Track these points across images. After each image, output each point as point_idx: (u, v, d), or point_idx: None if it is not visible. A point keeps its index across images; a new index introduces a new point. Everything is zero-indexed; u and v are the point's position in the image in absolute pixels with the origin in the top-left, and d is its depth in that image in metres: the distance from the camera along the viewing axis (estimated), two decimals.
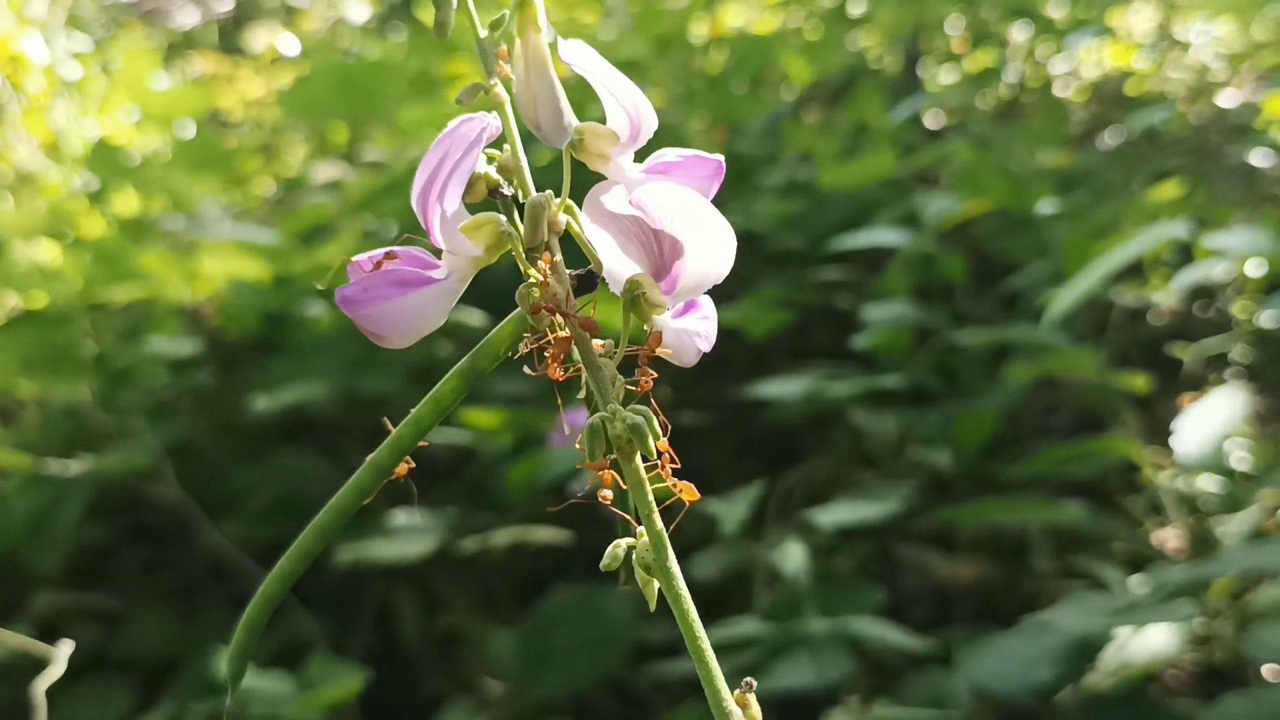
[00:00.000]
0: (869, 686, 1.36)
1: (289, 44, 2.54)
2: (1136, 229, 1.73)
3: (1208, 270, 1.39)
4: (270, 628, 1.43)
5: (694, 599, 1.28)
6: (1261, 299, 1.88)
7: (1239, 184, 2.17)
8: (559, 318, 0.35)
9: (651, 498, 0.35)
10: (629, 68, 2.00)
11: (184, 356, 1.78)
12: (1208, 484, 1.63)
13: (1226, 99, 2.24)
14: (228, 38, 3.28)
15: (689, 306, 0.37)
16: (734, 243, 0.35)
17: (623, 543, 0.36)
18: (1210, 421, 1.59)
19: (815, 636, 1.28)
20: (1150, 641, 1.35)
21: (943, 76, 2.46)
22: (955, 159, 2.02)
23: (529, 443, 1.62)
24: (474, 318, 1.70)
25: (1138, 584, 1.49)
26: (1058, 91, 2.46)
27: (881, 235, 1.81)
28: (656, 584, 0.35)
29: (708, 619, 1.26)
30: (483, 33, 0.40)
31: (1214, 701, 1.31)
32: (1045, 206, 1.71)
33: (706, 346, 0.38)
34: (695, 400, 1.85)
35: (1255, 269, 1.66)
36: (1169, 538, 1.70)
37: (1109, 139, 2.42)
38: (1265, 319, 1.96)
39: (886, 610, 1.44)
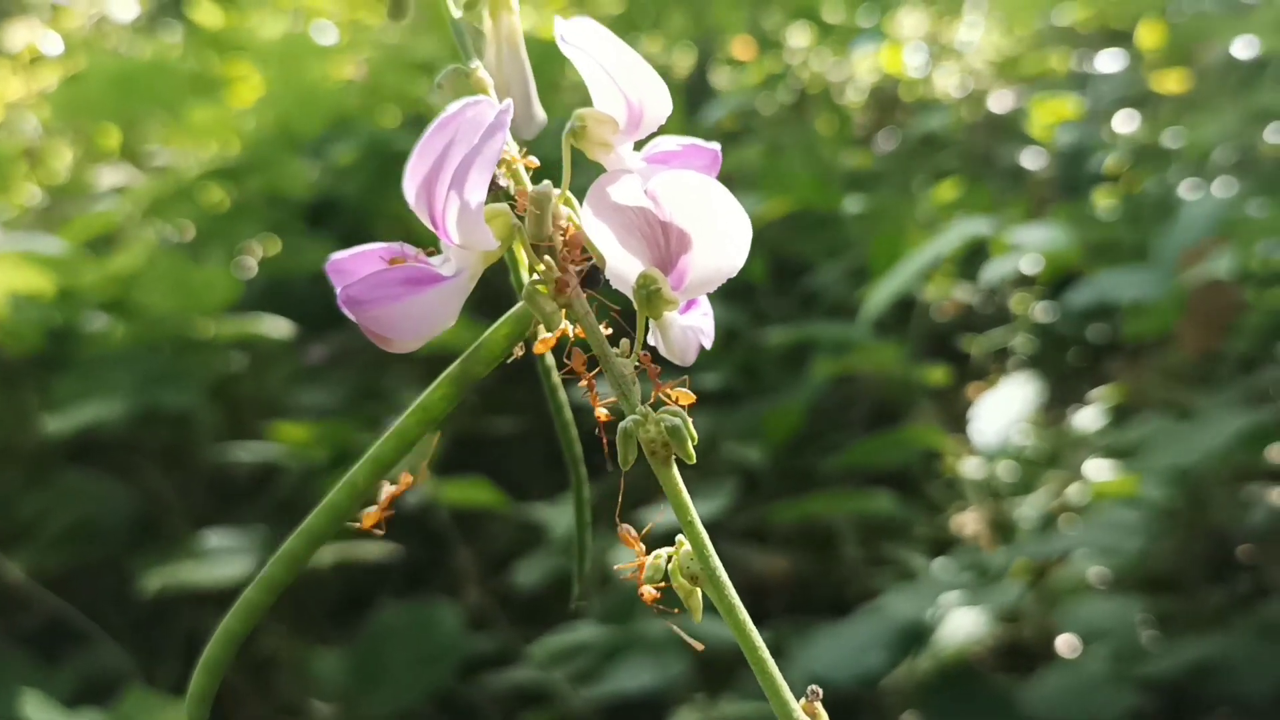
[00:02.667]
0: (701, 684, 1.37)
1: (51, 42, 2.38)
2: (934, 227, 1.80)
3: (1013, 264, 1.45)
4: (72, 660, 1.34)
5: (517, 608, 1.27)
6: (1043, 292, 1.99)
7: (1011, 184, 2.29)
8: (570, 315, 0.33)
9: (690, 503, 0.33)
10: (427, 68, 1.96)
11: None
12: (1003, 470, 1.72)
13: (997, 103, 2.36)
14: None
15: (691, 303, 0.36)
16: (748, 236, 0.34)
17: (663, 553, 0.35)
18: (1004, 410, 1.67)
19: (653, 637, 1.28)
20: (962, 623, 1.40)
21: (729, 81, 2.51)
22: (750, 161, 2.06)
23: (346, 456, 1.56)
24: (279, 327, 1.64)
25: (941, 568, 1.55)
26: (838, 96, 2.54)
27: None
28: (698, 595, 0.34)
29: (532, 627, 1.24)
30: (456, 13, 0.38)
31: (1027, 676, 1.38)
32: (851, 205, 1.76)
33: (708, 344, 0.37)
34: (508, 406, 1.83)
35: (1030, 265, 1.75)
36: (967, 522, 1.77)
37: (887, 142, 2.52)
38: (1041, 311, 2.08)
39: (709, 607, 1.46)
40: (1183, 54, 2.12)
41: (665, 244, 0.34)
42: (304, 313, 1.80)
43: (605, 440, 0.34)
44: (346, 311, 0.33)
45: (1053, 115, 2.24)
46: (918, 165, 2.37)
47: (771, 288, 2.00)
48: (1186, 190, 1.85)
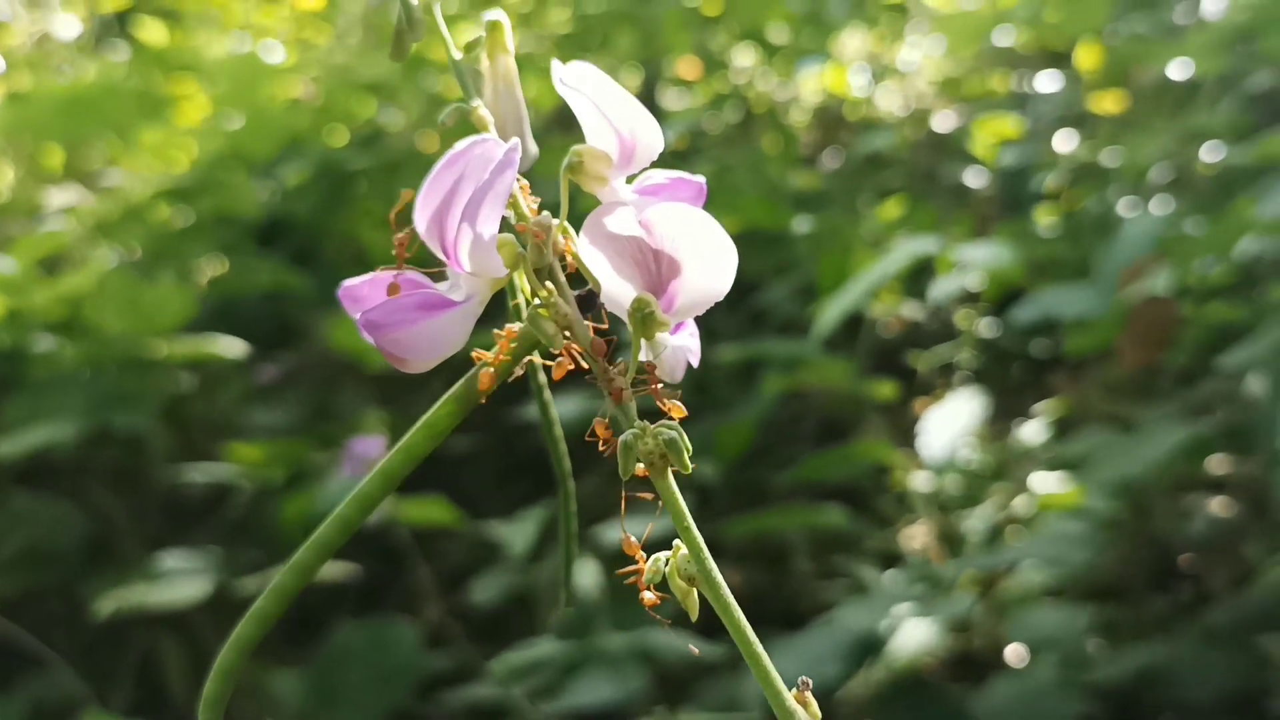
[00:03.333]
0: (660, 698, 1.39)
1: None
2: (880, 245, 1.84)
3: (960, 281, 1.49)
4: (24, 686, 1.33)
5: (472, 625, 1.28)
6: (987, 309, 2.03)
7: (954, 202, 2.34)
8: (571, 336, 0.35)
9: (686, 509, 0.35)
10: (375, 89, 1.98)
11: None
12: (951, 483, 1.75)
13: (940, 122, 2.40)
14: None
15: (679, 325, 0.38)
16: (734, 263, 0.36)
17: (661, 556, 0.37)
18: (951, 424, 1.70)
19: (613, 651, 1.30)
20: (914, 634, 1.43)
21: (677, 101, 2.54)
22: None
23: (302, 475, 1.57)
24: (234, 347, 1.64)
25: (891, 580, 1.58)
26: (784, 116, 2.58)
27: None
28: (696, 594, 0.36)
29: (491, 644, 1.25)
30: (457, 55, 0.40)
31: (979, 685, 1.41)
32: (799, 225, 1.79)
33: (695, 362, 0.39)
34: (462, 424, 1.84)
35: (974, 282, 1.79)
36: (917, 535, 1.81)
37: (832, 161, 2.56)
38: (985, 327, 2.12)
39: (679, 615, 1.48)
40: (1119, 75, 2.17)
41: (656, 270, 0.36)
42: (255, 332, 1.80)
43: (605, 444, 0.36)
44: (366, 334, 0.35)
45: (994, 134, 2.29)
46: (863, 184, 2.41)
47: (722, 305, 2.02)
48: (1124, 208, 1.90)
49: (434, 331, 0.35)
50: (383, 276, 0.38)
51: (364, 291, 0.38)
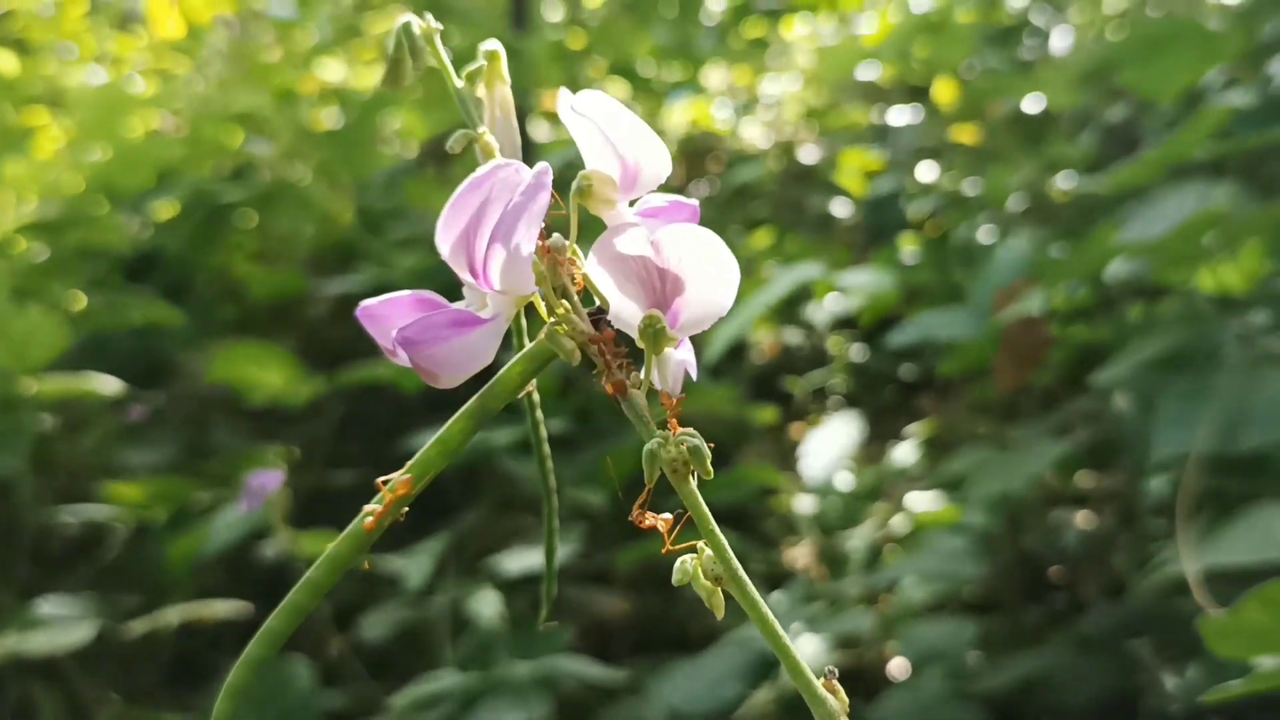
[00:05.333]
0: None
1: None
2: (752, 275, 1.88)
3: (846, 305, 1.53)
4: None
5: (370, 660, 1.27)
6: (856, 334, 2.09)
7: (820, 231, 2.41)
8: (587, 351, 0.36)
9: (709, 513, 0.37)
10: (245, 120, 1.95)
11: None
12: (831, 504, 1.79)
13: (806, 154, 2.47)
14: None
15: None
16: (737, 281, 0.38)
17: (688, 559, 0.38)
18: (830, 447, 1.75)
19: (515, 680, 1.30)
20: (806, 651, 1.46)
21: (549, 134, 2.56)
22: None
23: (184, 515, 1.53)
24: (108, 385, 1.59)
25: (777, 601, 1.61)
26: None
27: None
28: (720, 594, 0.37)
29: (387, 680, 1.24)
30: (459, 83, 0.41)
31: (871, 700, 1.45)
32: None
33: (694, 375, 0.40)
34: (345, 459, 1.82)
35: (846, 308, 1.85)
36: (800, 555, 1.85)
37: (700, 191, 2.60)
38: (855, 352, 2.18)
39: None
40: (975, 109, 2.26)
41: (661, 288, 0.37)
42: (123, 369, 1.75)
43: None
44: (400, 350, 0.36)
45: (858, 166, 2.37)
46: (732, 214, 2.46)
47: None
48: (984, 235, 1.98)
49: (466, 347, 0.36)
50: (399, 296, 0.39)
51: (383, 311, 0.39)
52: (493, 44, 0.41)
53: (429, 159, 2.36)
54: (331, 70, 2.71)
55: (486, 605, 1.34)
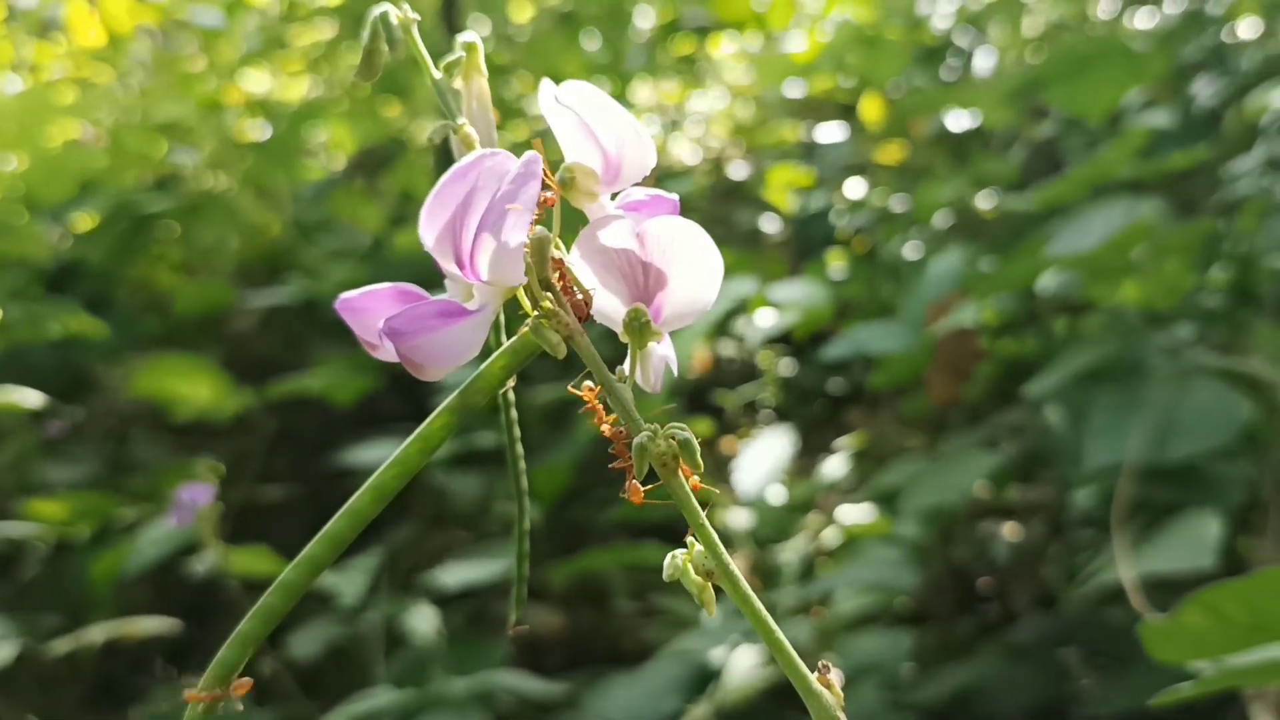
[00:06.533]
0: None
1: None
2: None
3: (784, 320, 1.54)
4: None
5: (292, 681, 1.24)
6: (785, 349, 2.11)
7: (748, 247, 2.42)
8: (573, 345, 0.36)
9: (699, 507, 0.37)
10: (169, 130, 1.91)
11: None
12: (765, 517, 1.80)
13: (735, 170, 2.48)
14: None
15: None
16: (720, 275, 0.37)
17: (679, 553, 0.38)
18: (764, 460, 1.76)
19: (452, 696, 1.28)
20: (744, 663, 1.46)
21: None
22: None
23: (107, 531, 1.49)
24: (30, 398, 1.55)
25: (707, 615, 1.61)
26: None
27: None
28: (711, 589, 0.37)
29: (321, 698, 1.22)
30: (437, 74, 0.40)
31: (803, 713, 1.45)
32: None
33: (675, 370, 0.40)
34: (274, 474, 1.79)
35: (777, 323, 1.86)
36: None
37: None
38: (784, 366, 2.19)
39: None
40: (901, 126, 2.29)
41: (644, 282, 0.37)
42: (41, 383, 1.71)
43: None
44: (388, 341, 0.35)
45: (786, 182, 2.39)
46: None
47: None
48: (911, 251, 2.00)
49: (453, 339, 0.35)
50: (379, 289, 0.38)
51: (364, 304, 0.38)
52: (470, 36, 0.41)
53: (357, 171, 2.34)
54: (257, 81, 2.67)
55: (423, 621, 1.32)
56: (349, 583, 1.38)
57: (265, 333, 1.99)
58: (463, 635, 1.46)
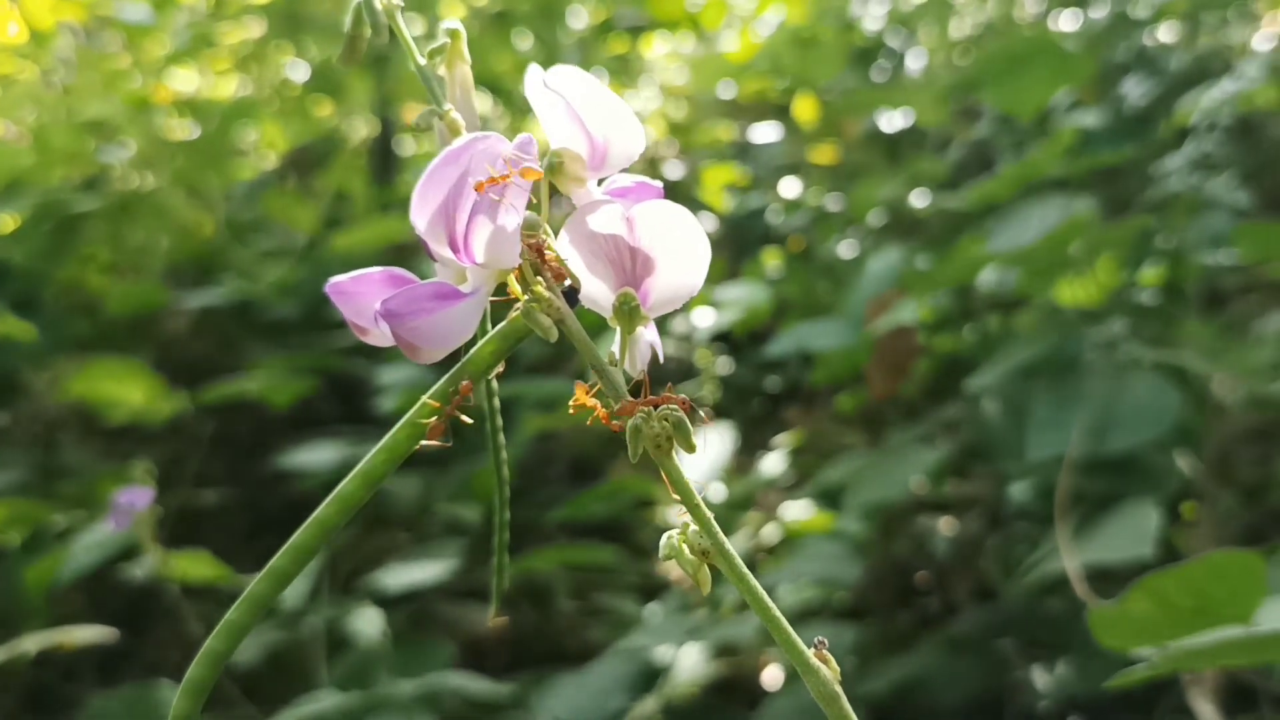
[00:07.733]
0: None
1: None
2: None
3: (727, 318, 1.55)
4: None
5: (234, 687, 1.23)
6: (722, 348, 2.12)
7: None
8: (564, 328, 0.36)
9: (693, 487, 0.37)
10: (96, 127, 1.88)
11: None
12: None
13: (670, 170, 2.49)
14: None
15: None
16: (708, 260, 0.38)
17: (673, 533, 0.38)
18: (704, 457, 1.76)
19: (399, 699, 1.27)
20: (689, 661, 1.46)
21: (414, 148, 2.53)
22: None
23: (40, 537, 1.46)
24: None
25: (652, 613, 1.62)
26: None
27: None
28: (706, 569, 0.37)
29: (265, 702, 1.21)
30: (421, 60, 0.40)
31: (753, 707, 1.46)
32: None
33: (660, 356, 0.40)
34: (209, 478, 1.76)
35: (727, 318, 1.87)
36: (674, 566, 1.84)
37: (559, 209, 2.60)
38: (721, 366, 2.20)
39: None
40: (835, 127, 2.32)
41: (631, 268, 0.37)
42: None
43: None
44: (383, 324, 0.35)
45: (722, 182, 2.40)
46: None
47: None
48: (846, 250, 2.02)
49: (449, 321, 0.35)
50: (370, 272, 0.38)
51: (355, 288, 0.38)
52: (453, 23, 0.41)
53: (290, 170, 2.31)
54: (186, 80, 2.63)
55: (367, 623, 1.31)
56: (291, 586, 1.36)
57: (198, 334, 1.95)
58: (407, 637, 1.45)
